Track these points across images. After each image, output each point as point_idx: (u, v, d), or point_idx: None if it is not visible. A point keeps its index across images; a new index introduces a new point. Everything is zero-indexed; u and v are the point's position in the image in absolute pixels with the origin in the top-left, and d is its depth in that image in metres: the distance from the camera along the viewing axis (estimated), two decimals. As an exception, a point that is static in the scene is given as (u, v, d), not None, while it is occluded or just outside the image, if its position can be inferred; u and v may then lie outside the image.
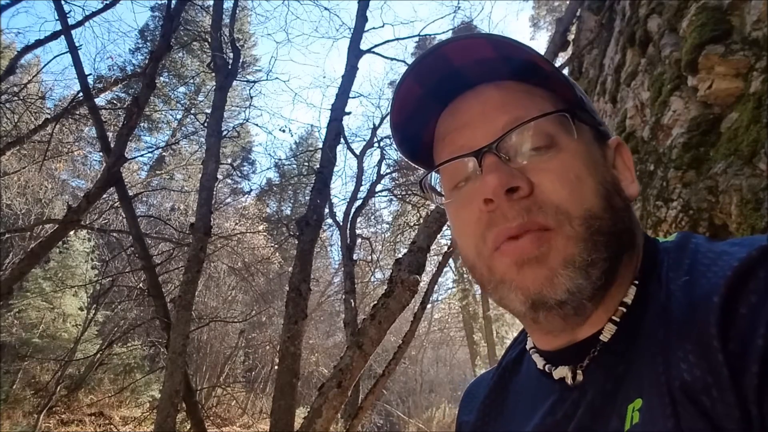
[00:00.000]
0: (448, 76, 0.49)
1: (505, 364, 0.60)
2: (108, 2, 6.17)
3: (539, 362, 0.51)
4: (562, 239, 0.42)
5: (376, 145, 8.28)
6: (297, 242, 5.04)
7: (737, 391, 0.32)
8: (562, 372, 0.47)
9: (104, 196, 5.97)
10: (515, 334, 0.64)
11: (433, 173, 0.53)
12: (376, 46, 6.98)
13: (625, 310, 0.44)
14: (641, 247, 0.48)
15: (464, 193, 0.48)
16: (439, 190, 0.53)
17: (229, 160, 13.32)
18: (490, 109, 0.48)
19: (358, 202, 7.52)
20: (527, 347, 0.55)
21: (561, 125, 0.46)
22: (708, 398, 0.34)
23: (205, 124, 5.77)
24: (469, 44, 0.47)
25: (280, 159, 16.87)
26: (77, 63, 4.68)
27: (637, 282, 0.45)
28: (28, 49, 6.23)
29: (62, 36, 5.15)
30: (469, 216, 0.47)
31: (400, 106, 0.52)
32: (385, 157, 8.49)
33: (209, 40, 6.26)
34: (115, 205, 6.91)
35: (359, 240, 8.50)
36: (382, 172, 8.44)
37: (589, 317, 0.45)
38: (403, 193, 9.29)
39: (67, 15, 4.95)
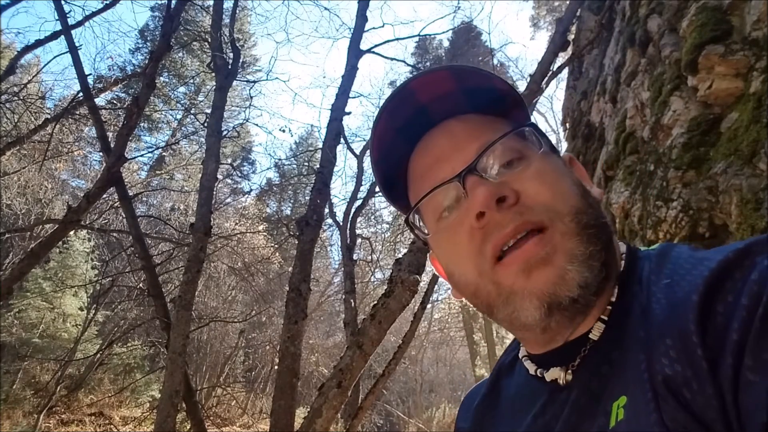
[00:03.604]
0: (414, 114, 0.54)
1: (497, 370, 0.62)
2: (108, 2, 6.18)
3: (531, 368, 0.52)
4: (559, 236, 0.44)
5: (376, 144, 8.25)
6: (297, 242, 5.03)
7: (714, 382, 0.34)
8: (554, 374, 0.48)
9: (104, 196, 5.97)
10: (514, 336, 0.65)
11: (415, 213, 0.56)
12: (376, 46, 6.97)
13: (611, 308, 0.46)
14: (618, 249, 0.50)
15: (451, 220, 0.50)
16: (423, 228, 0.55)
17: (229, 160, 13.35)
18: (460, 140, 0.52)
19: (358, 202, 7.49)
20: (520, 356, 0.57)
21: (526, 141, 0.51)
22: (689, 391, 0.35)
23: (205, 124, 5.77)
24: (432, 78, 0.52)
25: (280, 159, 16.90)
26: (77, 63, 4.68)
27: (619, 283, 0.47)
28: (28, 49, 6.23)
29: (62, 36, 5.15)
30: (461, 238, 0.48)
31: (379, 144, 0.56)
32: (386, 156, 8.46)
33: (209, 40, 6.26)
34: (115, 205, 6.91)
35: (359, 240, 8.49)
36: (382, 172, 8.39)
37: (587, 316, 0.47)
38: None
39: (67, 15, 4.95)
